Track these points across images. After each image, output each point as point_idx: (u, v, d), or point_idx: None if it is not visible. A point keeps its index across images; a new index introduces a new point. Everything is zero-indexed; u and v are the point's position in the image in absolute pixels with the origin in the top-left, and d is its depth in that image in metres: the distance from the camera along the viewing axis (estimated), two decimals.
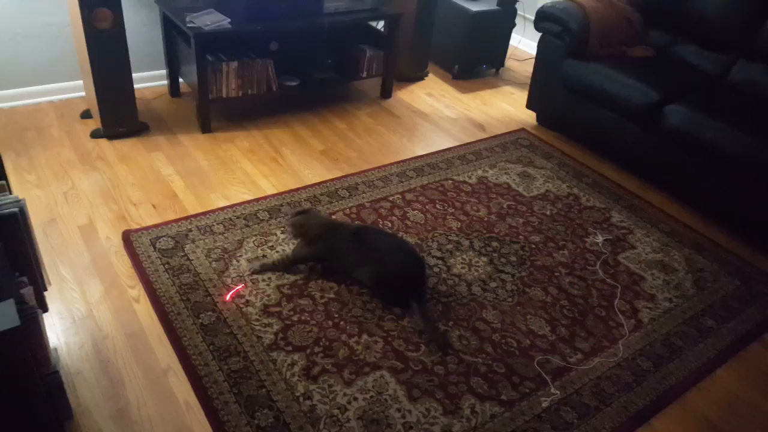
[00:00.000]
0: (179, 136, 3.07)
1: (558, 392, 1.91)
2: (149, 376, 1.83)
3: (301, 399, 1.77)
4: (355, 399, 1.80)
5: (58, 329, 1.95)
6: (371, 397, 1.81)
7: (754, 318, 2.31)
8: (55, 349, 1.85)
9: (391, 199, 2.73)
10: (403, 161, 3.04)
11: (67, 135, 2.97)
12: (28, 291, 1.26)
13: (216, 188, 2.69)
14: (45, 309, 1.52)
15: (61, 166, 2.73)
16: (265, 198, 2.62)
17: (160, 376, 1.83)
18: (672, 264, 2.54)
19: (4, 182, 1.37)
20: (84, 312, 2.02)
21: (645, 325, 2.21)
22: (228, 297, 2.09)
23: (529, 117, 3.65)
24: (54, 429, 1.12)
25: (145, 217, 2.46)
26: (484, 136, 3.41)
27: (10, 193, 1.43)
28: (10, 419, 1.03)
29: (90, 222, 2.41)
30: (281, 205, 2.58)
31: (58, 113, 3.14)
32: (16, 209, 1.27)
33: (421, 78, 4.07)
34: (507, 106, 3.82)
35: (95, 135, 2.96)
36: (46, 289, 1.55)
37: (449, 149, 3.22)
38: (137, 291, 2.11)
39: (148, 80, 3.48)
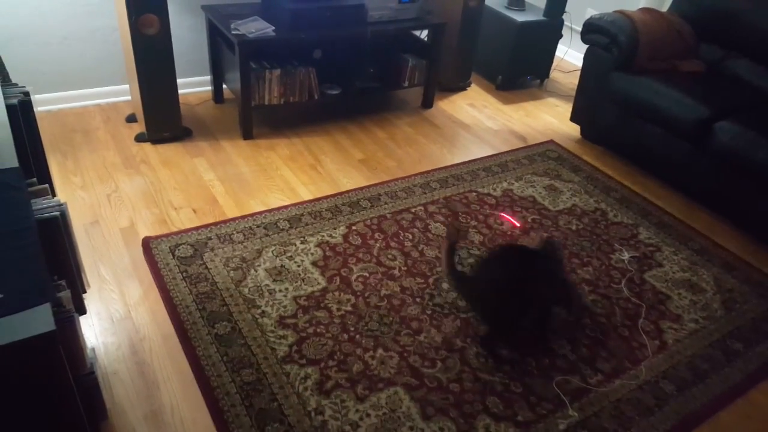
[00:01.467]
0: (221, 142, 3.11)
1: (576, 414, 1.85)
2: (184, 379, 1.83)
3: (312, 414, 1.74)
4: (368, 415, 1.76)
5: (97, 329, 1.98)
6: (384, 414, 1.77)
7: None
8: (93, 349, 1.88)
9: (413, 210, 2.69)
10: (427, 172, 3.00)
11: (113, 138, 3.03)
12: (66, 294, 1.27)
13: (255, 195, 2.70)
14: (83, 312, 1.54)
15: (106, 169, 2.79)
16: (286, 207, 2.61)
17: (194, 379, 1.83)
18: (700, 284, 2.44)
19: (46, 186, 1.39)
20: (122, 313, 2.05)
21: (669, 346, 2.13)
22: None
23: (573, 130, 3.57)
24: (88, 429, 1.12)
25: (185, 221, 2.49)
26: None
27: (54, 196, 1.46)
28: (45, 420, 1.04)
29: (131, 225, 2.45)
30: (301, 215, 2.56)
31: (105, 116, 3.22)
32: (57, 213, 1.28)
33: (463, 88, 4.02)
34: (550, 119, 3.74)
35: (140, 139, 3.02)
36: (84, 292, 1.57)
37: (474, 161, 3.16)
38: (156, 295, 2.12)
39: (193, 86, 3.54)
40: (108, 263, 2.24)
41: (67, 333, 1.25)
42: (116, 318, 2.03)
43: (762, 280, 2.50)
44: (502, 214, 2.26)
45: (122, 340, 1.95)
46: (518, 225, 2.28)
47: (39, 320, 0.94)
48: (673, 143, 2.91)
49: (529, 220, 2.71)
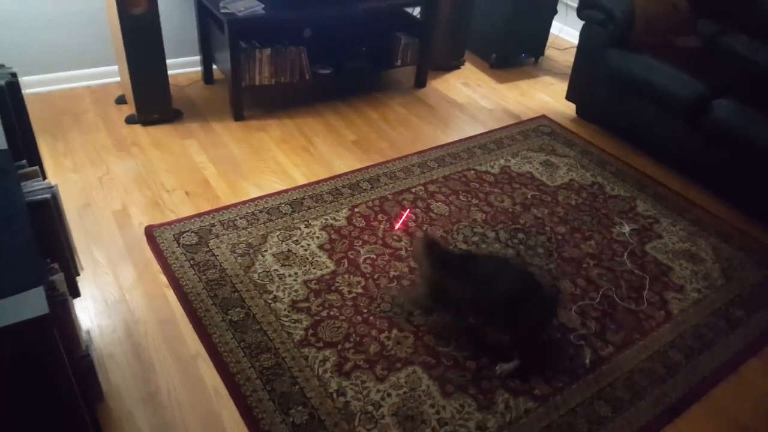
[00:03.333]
0: (212, 123, 3.07)
1: (589, 358, 1.94)
2: (179, 362, 1.83)
3: (334, 395, 1.75)
4: (389, 395, 1.77)
5: (92, 312, 1.97)
6: (405, 393, 1.79)
7: None
8: (88, 332, 1.87)
9: (413, 190, 2.68)
10: (423, 151, 2.98)
11: (103, 120, 2.99)
12: (59, 277, 1.26)
13: (248, 177, 2.68)
14: (76, 294, 1.53)
15: (97, 151, 2.75)
16: (286, 191, 2.58)
17: (190, 362, 1.83)
18: (699, 254, 2.48)
19: (36, 168, 1.37)
20: (117, 296, 2.03)
21: (675, 316, 2.17)
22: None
23: (569, 109, 3.55)
24: (84, 411, 1.12)
25: (178, 204, 2.47)
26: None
27: (44, 178, 1.43)
28: (40, 403, 1.03)
29: (124, 208, 2.43)
30: (303, 198, 2.55)
31: (94, 98, 3.17)
32: (48, 196, 1.26)
33: (457, 67, 3.98)
34: (546, 97, 3.72)
35: (130, 121, 2.98)
36: (78, 275, 1.56)
37: (470, 138, 3.14)
38: (150, 277, 2.11)
39: (182, 66, 3.49)
40: (101, 246, 2.23)
41: (61, 316, 1.24)
42: (111, 301, 2.01)
43: (757, 248, 2.55)
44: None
45: (117, 323, 1.94)
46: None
47: (32, 303, 0.93)
48: (670, 121, 2.90)
49: (529, 196, 2.72)
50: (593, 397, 1.85)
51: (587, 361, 1.95)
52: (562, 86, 3.74)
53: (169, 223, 2.35)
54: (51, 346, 0.98)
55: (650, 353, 2.02)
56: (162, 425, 1.65)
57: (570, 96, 3.48)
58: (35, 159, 1.62)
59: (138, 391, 1.74)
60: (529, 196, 2.72)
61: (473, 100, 3.61)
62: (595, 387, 1.88)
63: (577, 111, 3.50)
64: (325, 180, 2.69)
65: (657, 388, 1.90)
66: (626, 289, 2.26)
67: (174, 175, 2.65)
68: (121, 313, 1.97)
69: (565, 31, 4.50)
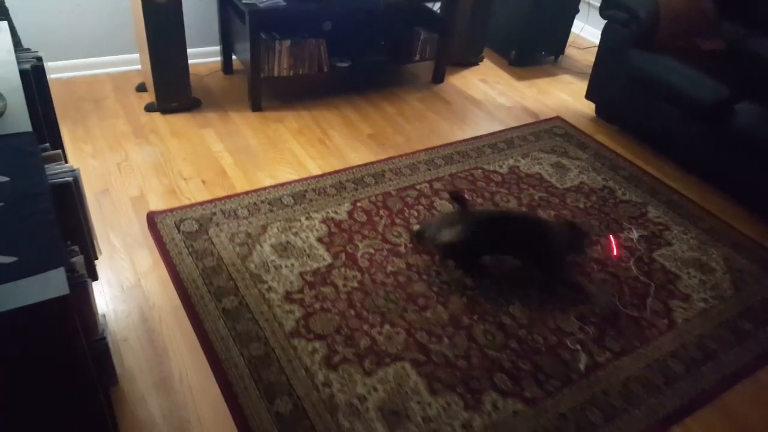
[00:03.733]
0: (230, 113, 3.09)
1: (585, 362, 1.92)
2: (192, 349, 1.85)
3: (320, 387, 1.76)
4: (375, 390, 1.77)
5: (108, 296, 1.99)
6: (391, 388, 1.78)
7: None
8: (104, 316, 1.90)
9: (418, 187, 2.67)
10: (432, 148, 2.97)
11: (123, 107, 3.02)
12: (79, 260, 1.27)
13: (264, 167, 2.69)
14: (95, 277, 1.55)
15: (116, 138, 2.78)
16: (290, 183, 2.59)
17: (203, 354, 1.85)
18: (710, 263, 2.43)
19: (59, 151, 1.38)
20: (132, 281, 2.06)
21: (678, 325, 2.13)
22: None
23: (588, 108, 3.52)
24: (99, 394, 1.14)
25: (194, 192, 2.49)
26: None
27: (66, 162, 1.45)
28: (58, 383, 1.05)
29: (141, 194, 2.45)
30: (305, 191, 2.55)
31: (115, 85, 3.20)
32: (70, 179, 1.28)
33: (475, 63, 3.97)
34: (565, 96, 3.69)
35: (149, 108, 3.01)
36: (96, 258, 1.58)
37: (480, 137, 3.12)
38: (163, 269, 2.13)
39: (202, 56, 3.51)
40: (118, 231, 2.25)
41: (80, 297, 1.25)
42: (126, 286, 2.04)
43: None
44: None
45: (132, 308, 1.96)
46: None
47: (53, 284, 0.94)
48: (691, 124, 2.86)
49: (536, 198, 2.70)
50: (585, 403, 1.81)
51: (582, 365, 1.93)
52: (581, 85, 3.71)
53: (171, 210, 2.37)
54: (70, 327, 0.99)
55: (649, 362, 1.97)
56: (173, 409, 1.68)
57: (589, 95, 3.45)
58: (58, 143, 1.63)
59: (151, 375, 1.76)
60: (536, 198, 2.70)
61: (491, 97, 3.59)
62: (588, 393, 1.84)
63: (597, 110, 3.47)
64: (330, 174, 2.69)
65: (653, 398, 1.86)
66: (630, 295, 2.22)
67: (191, 163, 2.67)
68: (136, 299, 2.00)
69: (587, 30, 4.46)
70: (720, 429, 1.82)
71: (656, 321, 2.13)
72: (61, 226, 1.08)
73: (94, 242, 1.55)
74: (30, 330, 0.95)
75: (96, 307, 1.60)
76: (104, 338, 1.56)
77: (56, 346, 1.01)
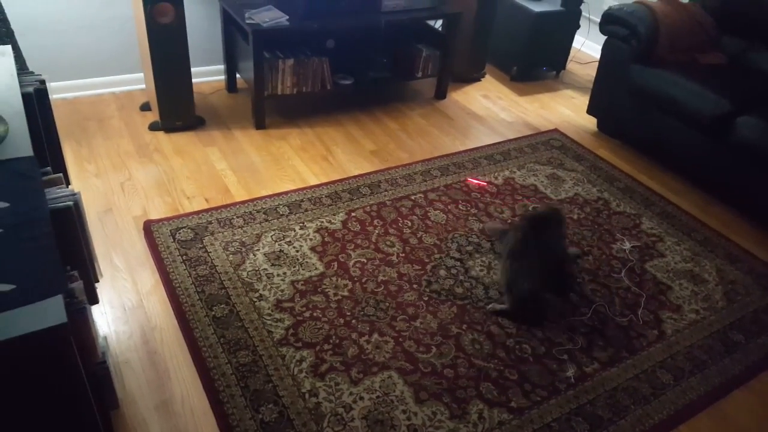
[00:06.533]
0: (234, 131, 3.10)
1: (573, 373, 1.92)
2: (193, 368, 1.84)
3: (307, 396, 1.77)
4: (361, 398, 1.78)
5: (109, 318, 1.99)
6: (377, 397, 1.79)
7: None
8: (105, 338, 1.89)
9: (413, 197, 2.69)
10: (428, 160, 2.99)
11: (127, 126, 3.04)
12: (78, 285, 1.27)
13: (267, 185, 2.70)
14: (95, 301, 1.54)
15: (120, 157, 2.80)
16: (286, 193, 2.62)
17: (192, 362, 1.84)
18: (702, 274, 2.43)
19: (60, 175, 1.39)
20: (134, 302, 2.06)
21: (668, 336, 2.13)
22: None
23: (590, 123, 3.52)
24: (98, 421, 1.13)
25: (197, 210, 2.49)
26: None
27: (68, 185, 1.46)
28: (55, 410, 1.04)
29: (144, 213, 2.46)
30: (301, 201, 2.57)
31: (119, 105, 3.23)
32: (70, 203, 1.28)
33: (477, 79, 3.98)
34: (566, 111, 3.69)
35: (153, 127, 3.03)
36: (97, 281, 1.58)
37: (477, 149, 3.14)
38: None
39: (206, 75, 3.54)
40: (121, 252, 2.26)
41: (78, 324, 1.25)
42: (128, 307, 2.04)
43: (766, 273, 2.48)
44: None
45: (134, 329, 1.96)
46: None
47: (51, 312, 0.94)
48: (693, 137, 2.86)
49: (530, 209, 2.70)
50: (571, 413, 1.82)
51: (569, 374, 1.92)
52: (583, 100, 3.71)
53: (168, 219, 2.39)
54: (67, 356, 0.99)
55: (637, 372, 1.98)
56: None
57: (591, 110, 3.46)
58: (60, 166, 1.64)
59: (152, 398, 1.75)
60: (530, 209, 2.71)
61: (493, 112, 3.60)
62: (574, 403, 1.85)
63: (599, 125, 3.47)
64: (326, 184, 2.71)
65: (639, 408, 1.86)
66: (620, 306, 2.23)
67: (195, 182, 2.68)
68: (138, 320, 2.00)
69: (588, 45, 4.47)
70: None
71: (646, 331, 2.14)
72: (60, 251, 1.08)
73: (95, 265, 1.55)
74: (27, 358, 0.95)
75: (96, 330, 1.60)
76: (105, 362, 1.55)
77: (54, 374, 1.00)
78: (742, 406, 1.93)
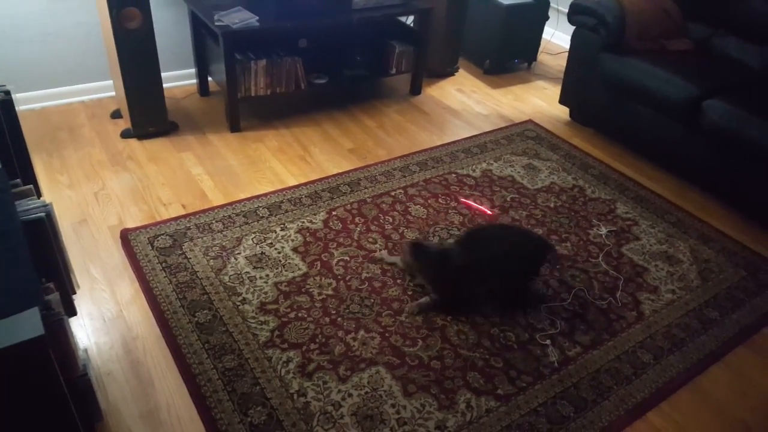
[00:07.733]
0: (209, 135, 3.07)
1: (556, 359, 1.97)
2: (178, 376, 1.82)
3: (295, 396, 1.76)
4: (350, 395, 1.78)
5: (89, 330, 1.96)
6: (366, 393, 1.80)
7: (760, 309, 2.27)
8: (85, 350, 1.86)
9: (393, 194, 2.70)
10: (406, 155, 3.00)
11: (98, 135, 2.99)
12: (54, 297, 1.25)
13: (245, 188, 2.68)
14: (73, 313, 1.52)
15: (92, 167, 2.75)
16: (265, 195, 2.60)
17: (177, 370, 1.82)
18: (677, 255, 2.49)
19: (31, 186, 1.36)
20: (114, 312, 2.03)
21: (646, 317, 2.18)
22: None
23: (562, 112, 3.56)
24: (82, 431, 1.11)
25: (175, 217, 2.46)
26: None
27: (39, 196, 1.43)
28: (37, 424, 1.02)
29: (120, 222, 2.42)
30: (281, 202, 2.56)
31: (89, 113, 3.17)
32: (42, 214, 1.26)
33: (451, 74, 4.00)
34: (539, 102, 3.73)
35: (125, 135, 2.98)
36: (74, 293, 1.55)
37: (454, 142, 3.16)
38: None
39: (178, 79, 3.49)
40: (98, 262, 2.22)
41: (56, 336, 1.23)
42: (108, 317, 2.01)
43: (738, 251, 2.54)
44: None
45: (115, 339, 1.93)
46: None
47: (27, 325, 0.93)
48: (664, 123, 2.91)
49: (508, 199, 2.73)
50: (556, 397, 1.85)
51: (552, 359, 1.95)
52: (555, 90, 3.75)
53: (145, 227, 2.36)
54: (47, 368, 0.97)
55: (618, 353, 2.02)
56: None
57: (563, 100, 3.50)
58: (30, 177, 1.61)
59: (137, 408, 1.73)
60: (508, 199, 2.74)
61: (468, 106, 3.61)
62: (559, 387, 1.89)
63: (571, 114, 3.51)
64: (305, 184, 2.70)
65: (622, 389, 1.90)
66: (599, 290, 2.27)
67: (171, 188, 2.65)
68: (119, 330, 1.97)
69: (557, 36, 4.52)
70: (693, 410, 1.87)
71: (625, 313, 2.18)
72: (34, 263, 1.07)
73: (71, 277, 1.53)
74: (5, 372, 0.93)
75: (76, 342, 1.57)
76: (86, 374, 1.53)
77: (34, 388, 0.98)
78: (719, 381, 1.98)
